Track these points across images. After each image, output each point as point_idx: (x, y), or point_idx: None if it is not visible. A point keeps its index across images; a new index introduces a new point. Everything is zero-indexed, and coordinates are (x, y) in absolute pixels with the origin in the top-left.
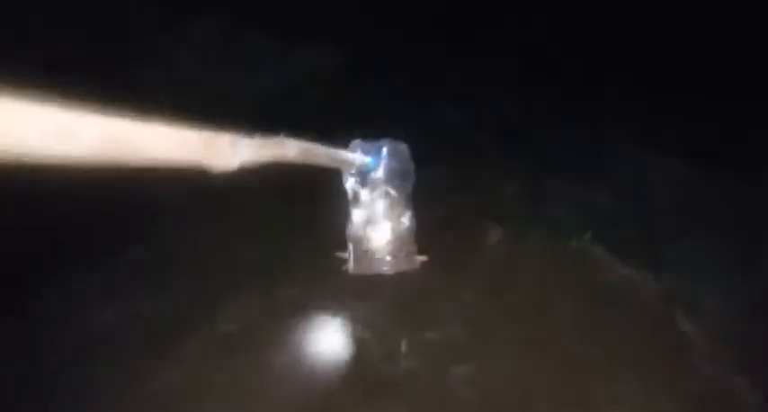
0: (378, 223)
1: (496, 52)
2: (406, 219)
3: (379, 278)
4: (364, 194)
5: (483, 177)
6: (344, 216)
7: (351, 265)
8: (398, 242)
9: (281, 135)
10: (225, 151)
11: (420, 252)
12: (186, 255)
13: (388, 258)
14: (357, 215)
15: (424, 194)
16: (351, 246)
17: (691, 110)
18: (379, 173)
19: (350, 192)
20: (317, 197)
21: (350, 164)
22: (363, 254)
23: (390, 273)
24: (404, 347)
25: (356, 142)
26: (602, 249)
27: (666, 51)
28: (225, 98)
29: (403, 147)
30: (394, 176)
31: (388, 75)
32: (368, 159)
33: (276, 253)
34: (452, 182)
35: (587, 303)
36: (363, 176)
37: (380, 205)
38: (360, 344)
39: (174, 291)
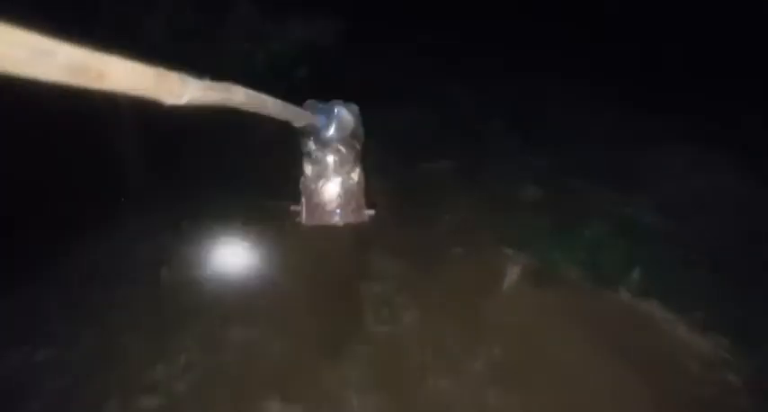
0: (329, 178)
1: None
2: (355, 175)
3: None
4: (316, 151)
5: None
6: (299, 171)
7: (303, 217)
8: (347, 195)
9: (230, 82)
10: (175, 87)
11: (369, 206)
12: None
13: (338, 211)
14: (309, 170)
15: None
16: (303, 199)
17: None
18: (331, 131)
19: (303, 149)
20: (275, 153)
21: (300, 119)
22: (315, 206)
23: (340, 224)
24: None
25: (310, 102)
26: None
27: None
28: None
29: (354, 108)
30: (344, 134)
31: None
32: (320, 117)
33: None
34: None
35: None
36: (316, 134)
37: (331, 161)
38: None
39: None
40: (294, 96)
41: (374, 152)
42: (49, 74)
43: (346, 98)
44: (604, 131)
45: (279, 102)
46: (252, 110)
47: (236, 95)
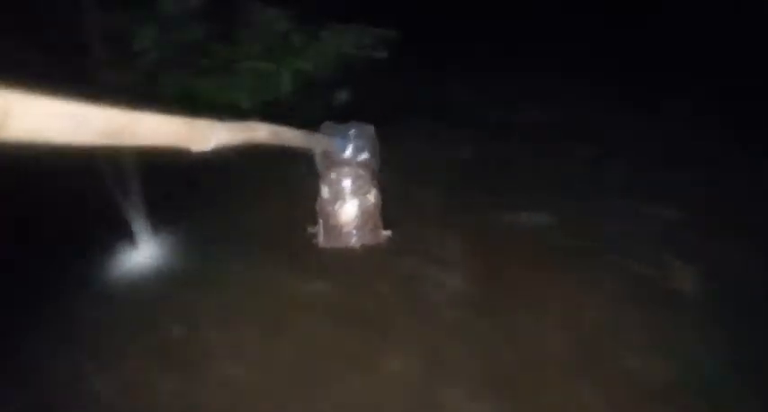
0: (345, 200)
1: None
2: (371, 196)
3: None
4: (333, 173)
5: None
6: (316, 193)
7: (320, 239)
8: (364, 217)
9: (254, 120)
10: (203, 134)
11: (385, 227)
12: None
13: (355, 232)
14: (326, 192)
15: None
16: (320, 221)
17: None
18: (347, 152)
19: (320, 171)
20: (290, 177)
21: (318, 144)
22: (332, 228)
23: (357, 246)
24: None
25: (326, 123)
26: None
27: None
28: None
29: (369, 129)
30: (360, 156)
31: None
32: (336, 140)
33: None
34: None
35: None
36: (333, 156)
37: (348, 183)
38: None
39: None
40: (330, 116)
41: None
42: (85, 139)
43: (385, 117)
44: None
45: (297, 131)
46: (273, 143)
47: (260, 133)
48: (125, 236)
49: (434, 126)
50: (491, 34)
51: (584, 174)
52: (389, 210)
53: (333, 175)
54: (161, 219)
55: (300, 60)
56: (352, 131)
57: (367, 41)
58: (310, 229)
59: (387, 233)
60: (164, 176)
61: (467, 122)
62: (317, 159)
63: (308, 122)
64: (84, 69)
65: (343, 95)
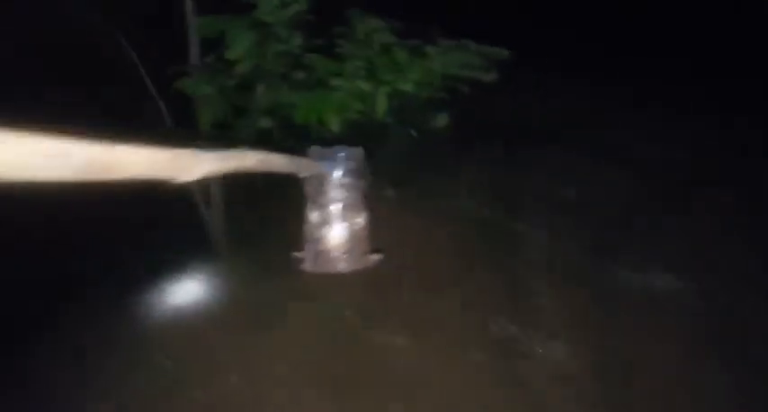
0: (333, 224)
1: None
2: (360, 220)
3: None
4: (321, 197)
5: None
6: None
7: (308, 264)
8: (353, 242)
9: (243, 148)
10: (188, 164)
11: (373, 251)
12: None
13: (345, 257)
14: (314, 216)
15: None
16: (307, 247)
17: None
18: (335, 176)
19: (308, 195)
20: (276, 200)
21: (307, 169)
22: (319, 253)
23: (345, 271)
24: None
25: (314, 148)
26: None
27: None
28: None
29: (358, 152)
30: (349, 180)
31: None
32: (324, 164)
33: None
34: None
35: None
36: (320, 180)
37: (336, 207)
38: None
39: None
40: (424, 143)
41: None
42: (65, 175)
43: (487, 145)
44: None
45: (285, 157)
46: (262, 170)
47: (248, 161)
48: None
49: (539, 160)
50: (617, 61)
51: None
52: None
53: (321, 200)
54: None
55: (401, 80)
56: (341, 155)
57: (476, 62)
58: (296, 254)
59: (375, 257)
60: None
61: (577, 154)
62: (306, 183)
63: (398, 148)
64: (178, 75)
65: (440, 121)
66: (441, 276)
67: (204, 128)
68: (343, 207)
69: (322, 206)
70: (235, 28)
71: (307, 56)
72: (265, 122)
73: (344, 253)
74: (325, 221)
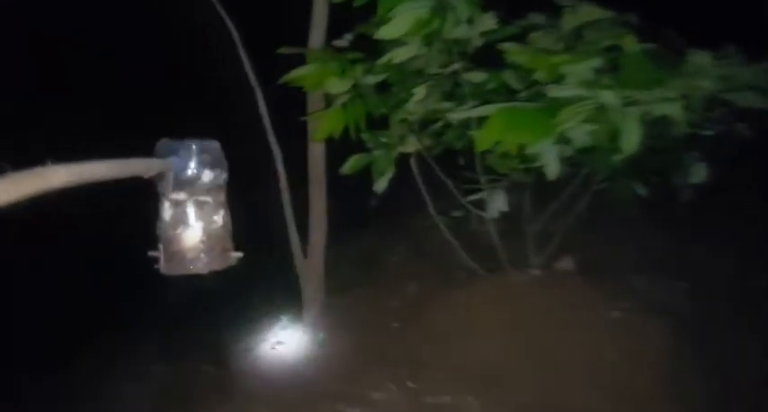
0: (188, 224)
1: None
2: (218, 218)
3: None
4: (174, 194)
5: None
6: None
7: (162, 265)
8: (211, 241)
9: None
10: None
11: (235, 248)
12: None
13: (202, 257)
14: (168, 215)
15: None
16: (161, 247)
17: None
18: (189, 172)
19: (160, 193)
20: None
21: (147, 169)
22: (175, 253)
23: (204, 271)
24: None
25: (163, 141)
26: None
27: None
28: None
29: (214, 145)
30: (205, 175)
31: None
32: (173, 159)
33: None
34: None
35: None
36: (172, 177)
37: (191, 205)
38: None
39: None
40: None
41: None
42: None
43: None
44: None
45: (111, 162)
46: (82, 182)
47: (57, 177)
48: None
49: None
50: None
51: None
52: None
53: (174, 197)
54: None
55: (658, 100)
56: (193, 148)
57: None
58: (151, 253)
59: (237, 254)
60: None
61: None
62: (157, 180)
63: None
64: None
65: (695, 173)
66: None
67: (318, 139)
68: (199, 204)
69: (174, 205)
70: None
71: (500, 45)
72: (413, 143)
73: (202, 252)
74: (180, 220)
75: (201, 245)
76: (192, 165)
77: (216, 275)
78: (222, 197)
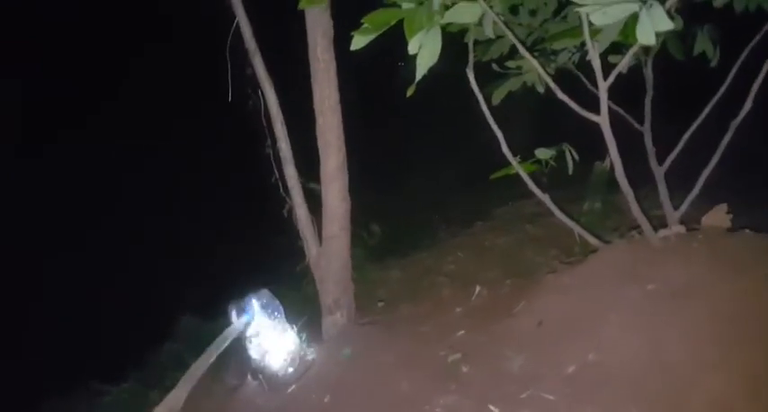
0: (271, 352)
1: None
2: (288, 339)
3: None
4: (252, 337)
5: None
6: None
7: (266, 390)
8: (290, 357)
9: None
10: None
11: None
12: None
13: (290, 370)
14: (254, 352)
15: None
16: (260, 376)
17: None
18: (257, 318)
19: (244, 340)
20: None
21: (235, 332)
22: (272, 377)
23: (297, 383)
24: None
25: (232, 304)
26: None
27: None
28: None
29: (265, 292)
30: (267, 315)
31: None
32: (244, 318)
33: None
34: None
35: None
36: (249, 326)
37: (267, 339)
38: None
39: None
40: None
41: None
42: None
43: None
44: None
45: (205, 354)
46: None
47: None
48: None
49: None
50: None
51: None
52: None
53: (253, 339)
54: None
55: None
56: (253, 301)
57: None
58: (249, 381)
59: (312, 357)
60: None
61: None
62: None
63: None
64: None
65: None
66: None
67: None
68: (272, 336)
69: (256, 342)
70: None
71: None
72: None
73: (289, 367)
74: (265, 352)
75: (285, 362)
76: (258, 312)
77: None
78: (282, 324)
